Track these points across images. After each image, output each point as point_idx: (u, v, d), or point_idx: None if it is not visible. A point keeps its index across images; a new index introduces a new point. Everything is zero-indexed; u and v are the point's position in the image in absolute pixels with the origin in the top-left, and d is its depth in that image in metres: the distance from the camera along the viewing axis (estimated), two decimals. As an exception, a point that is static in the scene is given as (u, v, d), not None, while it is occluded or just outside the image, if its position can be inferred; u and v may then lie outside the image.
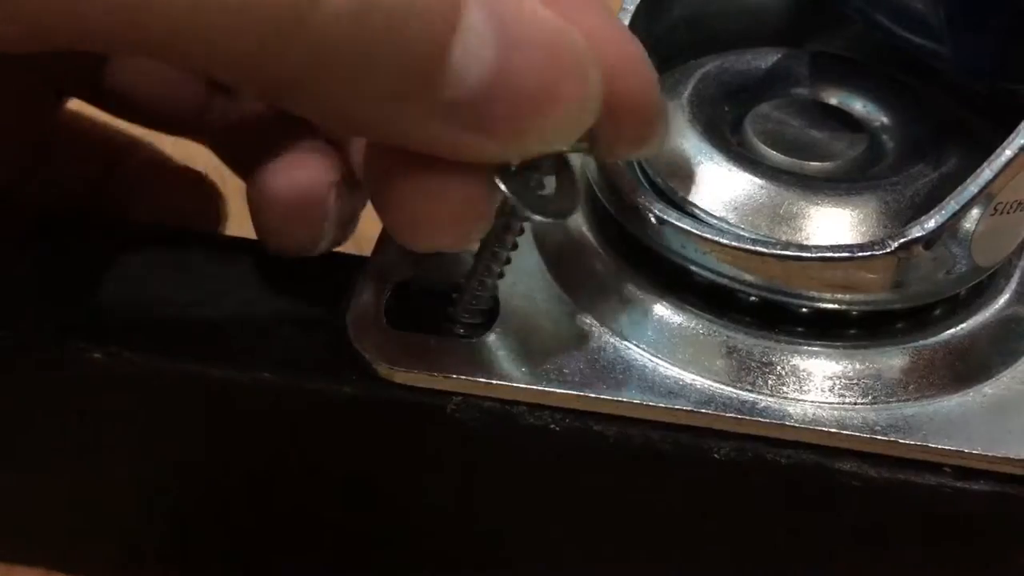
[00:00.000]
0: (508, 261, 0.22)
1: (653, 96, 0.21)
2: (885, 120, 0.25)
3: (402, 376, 0.22)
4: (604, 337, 0.23)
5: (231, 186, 0.29)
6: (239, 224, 0.29)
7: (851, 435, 0.22)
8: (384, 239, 0.25)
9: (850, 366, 0.23)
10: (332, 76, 0.18)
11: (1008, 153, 0.21)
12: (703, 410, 0.22)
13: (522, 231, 0.22)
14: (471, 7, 0.18)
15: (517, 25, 0.18)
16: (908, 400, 0.22)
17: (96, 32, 0.18)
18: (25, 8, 0.17)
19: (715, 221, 0.23)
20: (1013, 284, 0.25)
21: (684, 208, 0.23)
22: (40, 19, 0.17)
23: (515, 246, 0.22)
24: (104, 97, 0.27)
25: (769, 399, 0.22)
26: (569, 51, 0.19)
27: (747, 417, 0.22)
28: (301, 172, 0.24)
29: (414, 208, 0.20)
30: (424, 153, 0.19)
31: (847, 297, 0.22)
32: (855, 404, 0.22)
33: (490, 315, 0.23)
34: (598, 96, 0.19)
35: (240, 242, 0.26)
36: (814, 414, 0.22)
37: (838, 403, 0.22)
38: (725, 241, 0.22)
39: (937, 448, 0.21)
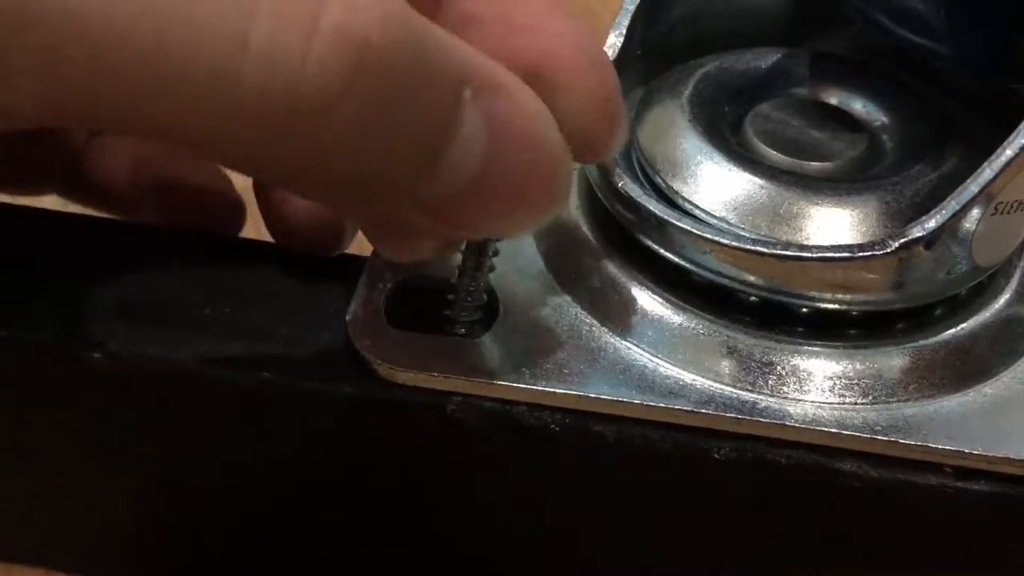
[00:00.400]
0: (496, 253, 0.22)
1: (613, 105, 0.21)
2: (885, 120, 0.25)
3: (402, 376, 0.22)
4: (604, 337, 0.23)
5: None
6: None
7: (851, 435, 0.22)
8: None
9: (850, 366, 0.23)
10: (333, 173, 0.18)
11: (1008, 153, 0.21)
12: (703, 410, 0.22)
13: None
14: (468, 111, 0.18)
15: (508, 127, 0.19)
16: (908, 400, 0.22)
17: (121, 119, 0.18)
18: (33, 88, 0.17)
19: (715, 221, 0.23)
20: (1013, 284, 0.25)
21: (684, 208, 0.23)
22: (53, 99, 0.18)
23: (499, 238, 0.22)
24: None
25: (769, 399, 0.22)
26: (549, 149, 0.19)
27: (747, 417, 0.22)
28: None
29: (395, 240, 0.21)
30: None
31: (847, 297, 0.22)
32: (855, 404, 0.22)
33: (489, 313, 0.23)
34: (568, 186, 0.20)
35: (241, 242, 0.26)
36: (814, 414, 0.22)
37: (838, 403, 0.22)
38: (725, 241, 0.22)
39: (937, 448, 0.21)
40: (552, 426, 0.22)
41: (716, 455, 0.22)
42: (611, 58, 0.25)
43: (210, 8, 0.17)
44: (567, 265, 0.24)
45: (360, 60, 0.17)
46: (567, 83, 0.20)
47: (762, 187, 0.23)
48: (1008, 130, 0.21)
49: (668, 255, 0.23)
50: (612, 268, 0.24)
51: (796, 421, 0.22)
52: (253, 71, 0.17)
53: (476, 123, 0.18)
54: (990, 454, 0.21)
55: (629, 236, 0.24)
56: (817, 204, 0.23)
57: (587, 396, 0.22)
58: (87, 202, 0.30)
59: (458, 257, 0.23)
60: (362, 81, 0.17)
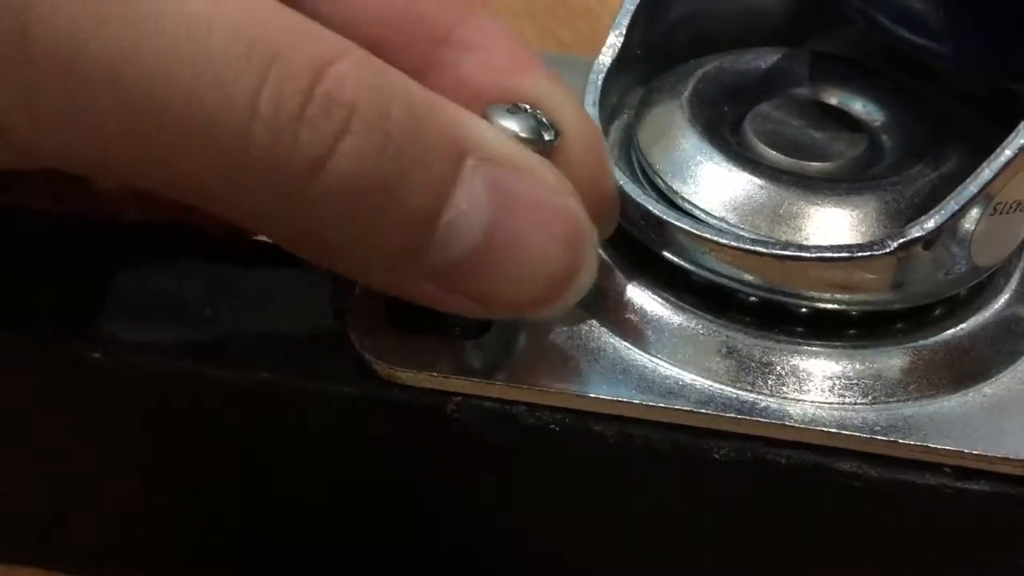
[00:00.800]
0: None
1: (610, 190, 0.22)
2: (884, 120, 0.25)
3: (402, 376, 0.22)
4: (604, 337, 0.23)
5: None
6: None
7: (851, 435, 0.22)
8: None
9: (850, 366, 0.23)
10: (330, 236, 0.19)
11: (1008, 153, 0.21)
12: (703, 410, 0.22)
13: None
14: (468, 180, 0.19)
15: (514, 197, 0.19)
16: (908, 400, 0.22)
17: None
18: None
19: (715, 221, 0.23)
20: (1013, 284, 0.25)
21: (683, 208, 0.23)
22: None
23: None
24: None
25: (769, 399, 0.22)
26: (565, 219, 0.20)
27: (747, 417, 0.22)
28: None
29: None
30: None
31: (847, 297, 0.22)
32: (855, 404, 0.22)
33: None
34: (593, 263, 0.20)
35: (241, 242, 0.26)
36: (814, 414, 0.22)
37: (838, 403, 0.22)
38: (725, 241, 0.22)
39: (937, 448, 0.21)
40: (552, 426, 0.22)
41: (716, 455, 0.22)
42: (611, 58, 0.25)
43: (228, 74, 0.18)
44: (567, 265, 0.24)
45: (345, 125, 0.18)
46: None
47: (761, 187, 0.23)
48: (1007, 130, 0.21)
49: (667, 255, 0.23)
50: (612, 268, 0.24)
51: (796, 421, 0.22)
52: (261, 134, 0.18)
53: (477, 192, 0.19)
54: (990, 454, 0.21)
55: (628, 236, 0.24)
56: (816, 204, 0.23)
57: (587, 396, 0.22)
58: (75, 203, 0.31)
59: None
60: (347, 144, 0.18)
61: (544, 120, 0.20)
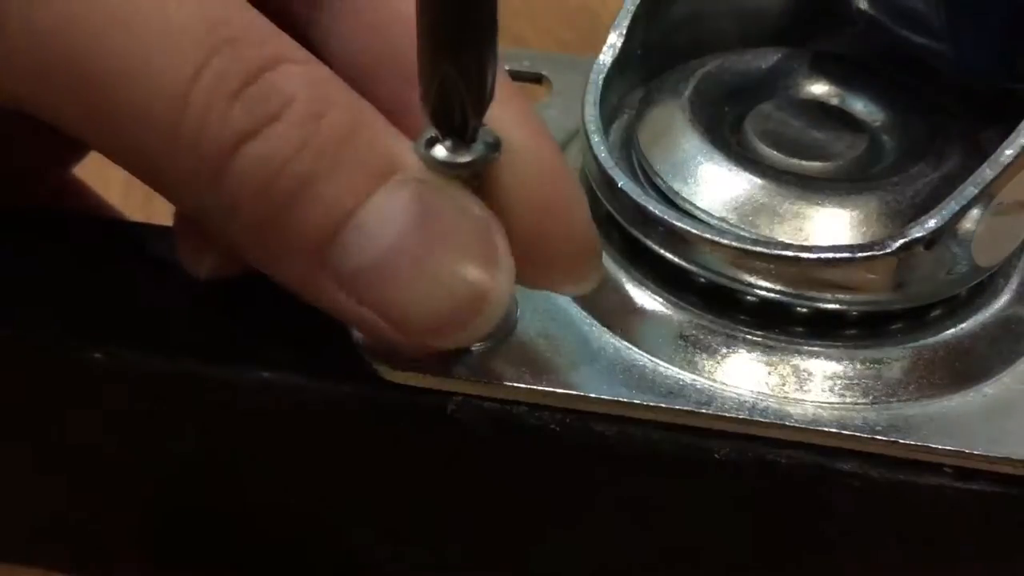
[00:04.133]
0: None
1: (586, 237, 0.21)
2: (885, 120, 0.25)
3: (402, 376, 0.22)
4: (604, 337, 0.23)
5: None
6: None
7: (851, 435, 0.22)
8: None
9: (850, 366, 0.23)
10: (242, 217, 0.19)
11: (1008, 153, 0.21)
12: (703, 410, 0.22)
13: None
14: (385, 192, 0.19)
15: (429, 220, 0.19)
16: (908, 400, 0.22)
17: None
18: None
19: (715, 221, 0.23)
20: (1013, 284, 0.25)
21: (684, 208, 0.23)
22: None
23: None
24: None
25: (769, 399, 0.22)
26: (481, 248, 0.20)
27: (747, 417, 0.22)
28: None
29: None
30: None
31: (847, 297, 0.22)
32: (855, 404, 0.22)
33: None
34: (506, 294, 0.20)
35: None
36: (814, 414, 0.22)
37: (838, 403, 0.22)
38: (725, 241, 0.22)
39: (938, 448, 0.21)
40: (552, 426, 0.22)
41: (716, 455, 0.22)
42: (612, 58, 0.25)
43: (183, 42, 0.19)
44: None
45: (278, 112, 0.19)
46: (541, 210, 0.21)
47: (762, 187, 0.23)
48: (1008, 130, 0.21)
49: (668, 255, 0.23)
50: (612, 268, 0.24)
51: (796, 421, 0.22)
52: (197, 100, 0.19)
53: (392, 204, 0.19)
54: (990, 454, 0.21)
55: (629, 236, 0.24)
56: (817, 204, 0.23)
57: (587, 396, 0.22)
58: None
59: None
60: (274, 130, 0.19)
61: (488, 140, 0.20)
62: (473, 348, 0.22)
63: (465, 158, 0.20)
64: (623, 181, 0.23)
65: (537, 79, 0.30)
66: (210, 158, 0.19)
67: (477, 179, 0.21)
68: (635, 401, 0.22)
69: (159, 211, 0.24)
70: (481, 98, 0.19)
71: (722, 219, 0.23)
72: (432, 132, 0.20)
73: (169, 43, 0.19)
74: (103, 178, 0.31)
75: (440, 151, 0.20)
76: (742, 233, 0.23)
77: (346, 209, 0.19)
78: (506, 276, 0.20)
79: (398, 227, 0.19)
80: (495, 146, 0.20)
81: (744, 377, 0.22)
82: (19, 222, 0.26)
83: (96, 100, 0.19)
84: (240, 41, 0.19)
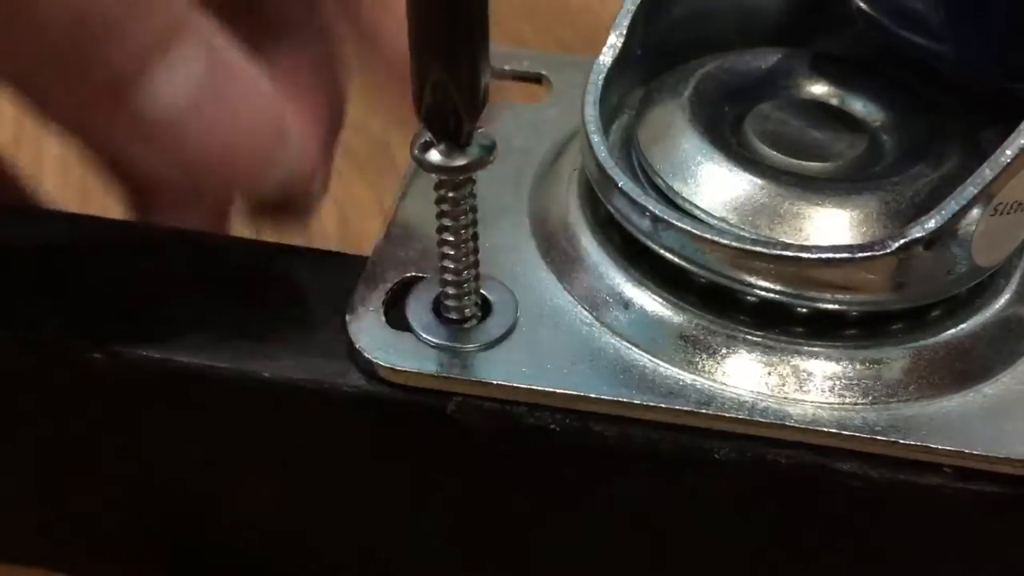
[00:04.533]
0: (466, 240, 0.22)
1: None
2: (885, 120, 0.25)
3: (402, 376, 0.22)
4: (604, 337, 0.23)
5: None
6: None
7: (851, 435, 0.22)
8: (385, 239, 0.25)
9: (850, 366, 0.23)
10: (50, 68, 0.20)
11: (1008, 153, 0.21)
12: (703, 410, 0.22)
13: (470, 210, 0.22)
14: (187, 47, 0.20)
15: (229, 82, 0.21)
16: (908, 400, 0.22)
17: None
18: None
19: (715, 221, 0.23)
20: (1013, 284, 0.25)
21: (684, 208, 0.23)
22: None
23: (465, 229, 0.22)
24: None
25: (769, 399, 0.22)
26: (270, 126, 0.22)
27: (747, 417, 0.22)
28: None
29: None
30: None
31: (847, 298, 0.22)
32: (855, 404, 0.22)
33: (485, 313, 0.23)
34: (290, 147, 0.22)
35: (241, 242, 0.26)
36: (814, 414, 0.22)
37: (838, 403, 0.22)
38: (725, 241, 0.22)
39: (937, 448, 0.21)
40: (552, 426, 0.22)
41: (716, 455, 0.22)
42: (611, 58, 0.25)
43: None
44: (567, 265, 0.24)
45: None
46: None
47: (762, 187, 0.23)
48: (1008, 130, 0.21)
49: (668, 255, 0.23)
50: (612, 268, 0.24)
51: (796, 421, 0.22)
52: None
53: (194, 59, 0.20)
54: (990, 454, 0.21)
55: (629, 236, 0.24)
56: (817, 204, 0.23)
57: (587, 396, 0.22)
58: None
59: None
60: None
61: (482, 142, 0.20)
62: (472, 348, 0.23)
63: (460, 161, 0.20)
64: (623, 181, 0.23)
65: (537, 79, 0.30)
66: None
67: (472, 182, 0.21)
68: (635, 401, 0.22)
69: (94, 190, 0.24)
70: (474, 102, 0.19)
71: (722, 219, 0.23)
72: (426, 135, 0.20)
73: None
74: (38, 158, 0.31)
75: (434, 155, 0.20)
76: (742, 233, 0.23)
77: (144, 56, 0.20)
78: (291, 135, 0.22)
79: (196, 81, 0.20)
80: (490, 148, 0.20)
81: (744, 377, 0.22)
82: (20, 221, 0.26)
83: None
84: None
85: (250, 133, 0.21)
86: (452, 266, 0.22)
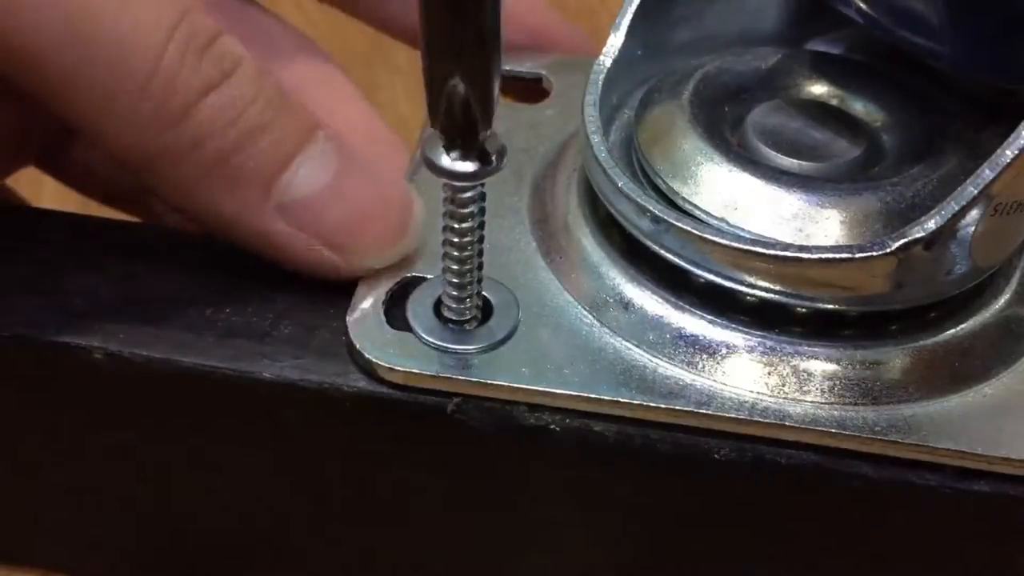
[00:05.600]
0: (471, 243, 0.22)
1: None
2: (885, 120, 0.25)
3: (402, 376, 0.22)
4: (604, 338, 0.23)
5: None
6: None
7: (851, 435, 0.22)
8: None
9: (850, 366, 0.23)
10: (200, 157, 0.23)
11: (1008, 154, 0.21)
12: (703, 410, 0.22)
13: (479, 213, 0.22)
14: (318, 142, 0.23)
15: (355, 161, 0.24)
16: (908, 400, 0.22)
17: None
18: None
19: (715, 222, 0.23)
20: (1013, 284, 0.25)
21: (684, 208, 0.23)
22: None
23: (471, 233, 0.22)
24: (66, 170, 0.33)
25: (769, 399, 0.22)
26: (396, 192, 0.24)
27: (747, 417, 0.22)
28: None
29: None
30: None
31: (847, 298, 0.22)
32: (855, 404, 0.22)
33: (486, 314, 0.23)
34: (416, 234, 0.24)
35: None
36: (814, 414, 0.22)
37: (838, 403, 0.22)
38: (725, 242, 0.22)
39: (938, 448, 0.22)
40: (552, 426, 0.22)
41: (716, 455, 0.22)
42: (611, 58, 0.25)
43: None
44: (567, 265, 0.24)
45: (232, 69, 0.23)
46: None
47: (762, 187, 0.23)
48: (1008, 131, 0.21)
49: (668, 255, 0.23)
50: (612, 268, 0.24)
51: (796, 421, 0.22)
52: (171, 55, 0.22)
53: (325, 151, 0.23)
54: (990, 454, 0.21)
55: (629, 236, 0.24)
56: (817, 204, 0.23)
57: (587, 397, 0.22)
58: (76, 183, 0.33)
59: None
60: (232, 82, 0.23)
61: (495, 148, 0.21)
62: (473, 349, 0.23)
63: (472, 167, 0.20)
64: (623, 181, 0.23)
65: (537, 80, 0.30)
66: (180, 101, 0.22)
67: (483, 185, 0.21)
68: (635, 401, 0.22)
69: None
70: (487, 109, 0.19)
71: (722, 219, 0.23)
72: (440, 141, 0.20)
73: (148, 2, 0.22)
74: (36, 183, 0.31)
75: (447, 161, 0.20)
76: (742, 233, 0.23)
77: (289, 151, 0.23)
78: (417, 210, 0.24)
79: (332, 168, 0.23)
80: (501, 154, 0.20)
81: (744, 377, 0.22)
82: (20, 221, 0.26)
83: (76, 41, 0.21)
84: (197, 10, 0.22)
85: (384, 201, 0.24)
86: (456, 267, 0.22)
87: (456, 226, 0.22)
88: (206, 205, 0.23)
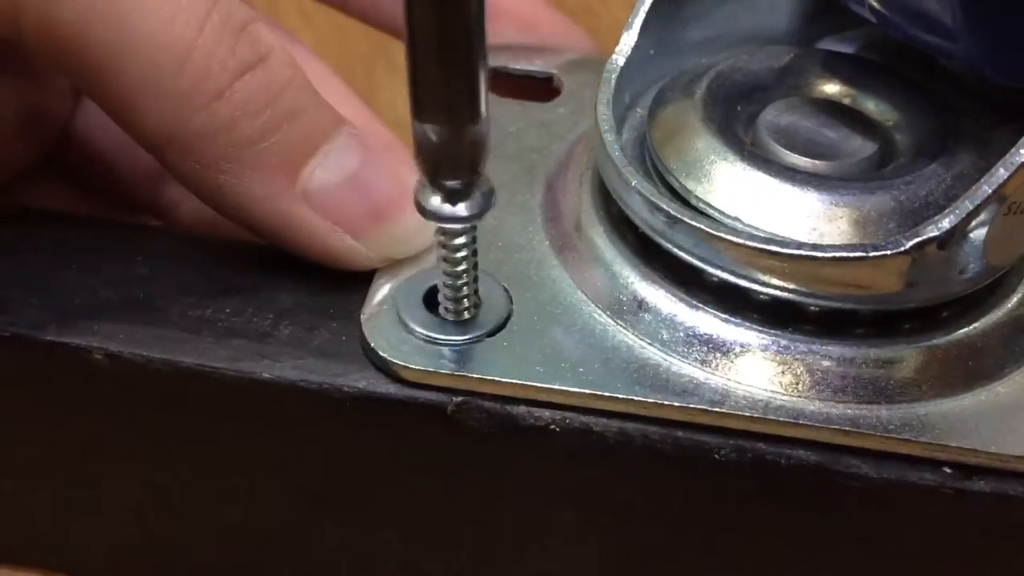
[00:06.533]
0: (466, 271, 0.22)
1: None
2: (898, 119, 0.25)
3: (406, 373, 0.22)
4: (618, 336, 0.23)
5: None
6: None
7: (865, 434, 0.22)
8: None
9: (863, 365, 0.23)
10: (232, 138, 0.23)
11: (1022, 153, 0.21)
12: (717, 409, 0.22)
13: (471, 253, 0.22)
14: (343, 133, 0.24)
15: (376, 155, 0.24)
16: (922, 399, 0.22)
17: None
18: None
19: (728, 220, 0.23)
20: (1026, 283, 0.25)
21: (697, 207, 0.23)
22: None
23: (464, 271, 0.22)
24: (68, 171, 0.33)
25: (782, 397, 0.22)
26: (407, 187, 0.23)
27: (761, 415, 0.22)
28: None
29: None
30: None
31: (860, 296, 0.22)
32: (869, 403, 0.22)
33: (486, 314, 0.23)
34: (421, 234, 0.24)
35: (240, 242, 0.26)
36: (828, 412, 0.22)
37: (852, 402, 0.22)
38: (738, 240, 0.22)
39: (952, 447, 0.22)
40: (552, 426, 0.22)
41: (717, 455, 0.22)
42: (625, 57, 0.25)
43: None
44: (580, 264, 0.24)
45: (266, 55, 0.23)
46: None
47: (775, 186, 0.23)
48: (1021, 130, 0.21)
49: (681, 254, 0.23)
50: (625, 267, 0.24)
51: (810, 419, 0.22)
52: (208, 37, 0.22)
53: (350, 142, 0.24)
54: (1003, 453, 0.21)
55: (642, 235, 0.24)
56: (830, 203, 0.23)
57: (601, 395, 0.22)
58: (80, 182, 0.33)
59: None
60: (267, 64, 0.23)
61: (483, 190, 0.21)
62: (465, 338, 0.23)
63: (461, 212, 0.21)
64: (636, 180, 0.23)
65: (548, 79, 0.30)
66: (216, 81, 0.22)
67: (474, 229, 0.22)
68: (649, 400, 0.22)
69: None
70: (475, 156, 0.20)
71: (735, 218, 0.23)
72: (428, 186, 0.20)
73: None
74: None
75: (436, 204, 0.21)
76: (755, 232, 0.23)
77: (318, 138, 0.24)
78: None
79: (357, 156, 0.24)
80: (489, 196, 0.21)
81: (757, 376, 0.22)
82: (20, 222, 0.26)
83: (117, 23, 0.22)
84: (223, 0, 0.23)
85: (407, 193, 0.23)
86: (452, 295, 0.23)
87: (449, 268, 0.22)
88: (232, 187, 0.23)
